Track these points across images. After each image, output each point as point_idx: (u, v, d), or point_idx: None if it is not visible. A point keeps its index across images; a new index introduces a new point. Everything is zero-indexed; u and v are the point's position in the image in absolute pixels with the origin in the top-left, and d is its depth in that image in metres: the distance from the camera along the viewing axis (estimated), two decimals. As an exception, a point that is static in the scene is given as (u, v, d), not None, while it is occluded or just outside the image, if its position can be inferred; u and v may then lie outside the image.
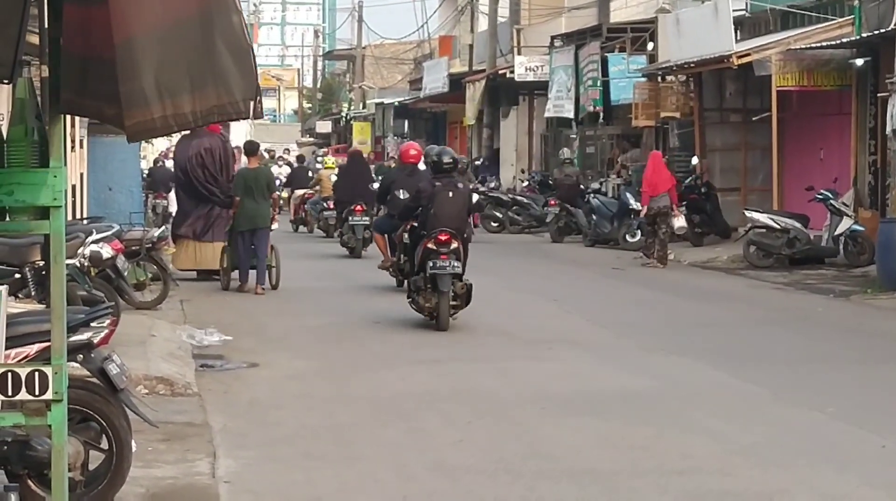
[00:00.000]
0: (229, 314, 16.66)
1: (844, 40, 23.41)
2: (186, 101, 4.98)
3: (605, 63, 31.95)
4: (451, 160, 16.07)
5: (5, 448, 6.95)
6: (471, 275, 15.64)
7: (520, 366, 12.89)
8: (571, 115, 34.03)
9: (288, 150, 59.46)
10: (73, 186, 20.29)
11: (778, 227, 23.16)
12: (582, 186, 30.47)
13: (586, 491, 8.18)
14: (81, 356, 7.28)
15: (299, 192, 34.02)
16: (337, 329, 15.59)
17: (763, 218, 23.41)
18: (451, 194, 15.61)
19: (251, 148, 20.83)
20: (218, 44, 4.93)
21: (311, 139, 72.35)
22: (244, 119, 5.30)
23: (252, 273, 19.38)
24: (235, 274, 19.71)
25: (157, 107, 4.97)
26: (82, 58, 5.24)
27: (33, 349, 7.02)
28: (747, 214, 23.96)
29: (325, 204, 30.17)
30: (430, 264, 15.21)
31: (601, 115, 32.47)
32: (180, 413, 10.48)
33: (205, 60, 4.95)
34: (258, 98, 5.03)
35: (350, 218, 25.14)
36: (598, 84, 32.00)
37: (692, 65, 26.60)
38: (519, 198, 34.39)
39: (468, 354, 13.65)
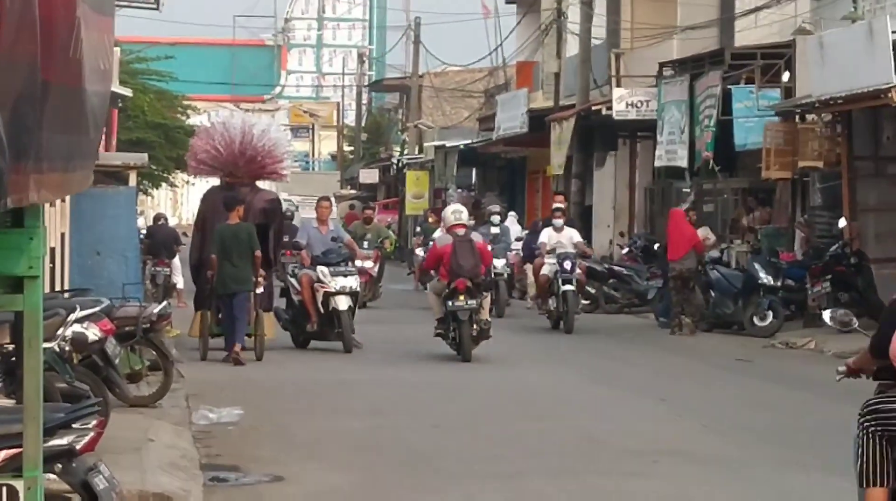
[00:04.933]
0: (247, 412, 16.70)
1: None
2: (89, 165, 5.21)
3: (727, 97, 31.91)
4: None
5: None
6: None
7: (614, 484, 12.84)
8: (685, 163, 33.86)
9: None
10: (52, 250, 20.45)
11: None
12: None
13: None
14: (60, 465, 7.34)
15: None
16: (381, 432, 15.61)
17: (930, 297, 23.25)
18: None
19: (231, 202, 21.73)
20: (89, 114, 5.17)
21: (353, 191, 72.58)
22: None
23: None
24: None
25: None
26: None
27: (0, 455, 7.09)
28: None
29: None
30: None
31: (711, 162, 32.11)
32: (183, 539, 10.53)
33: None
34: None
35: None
36: (713, 124, 31.76)
37: (840, 101, 26.55)
38: (617, 268, 34.33)
39: (548, 466, 13.63)
